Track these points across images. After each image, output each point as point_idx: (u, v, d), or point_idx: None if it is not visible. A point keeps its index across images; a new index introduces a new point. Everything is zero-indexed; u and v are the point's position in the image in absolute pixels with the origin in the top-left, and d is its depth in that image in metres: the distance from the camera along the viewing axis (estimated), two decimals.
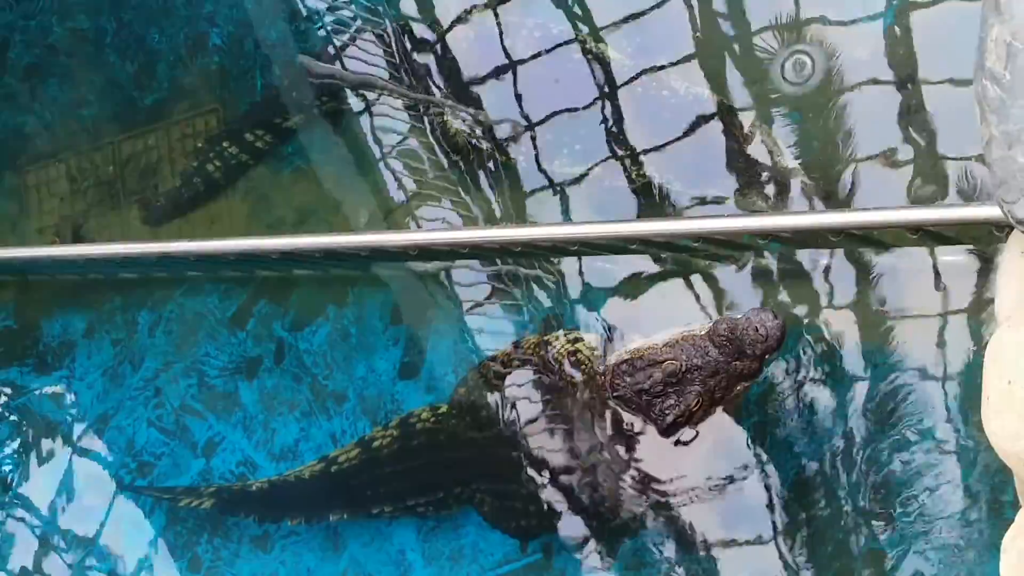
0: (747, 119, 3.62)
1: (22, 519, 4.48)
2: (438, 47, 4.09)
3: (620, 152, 3.76)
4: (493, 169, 3.94)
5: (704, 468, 3.44)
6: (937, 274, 3.29)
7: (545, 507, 3.55)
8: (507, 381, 3.60)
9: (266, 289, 4.26)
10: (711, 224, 3.43)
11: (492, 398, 3.61)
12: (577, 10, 3.90)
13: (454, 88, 4.04)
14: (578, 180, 3.81)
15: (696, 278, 3.57)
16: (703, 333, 3.23)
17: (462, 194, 3.99)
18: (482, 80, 4.01)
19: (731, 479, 3.43)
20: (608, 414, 3.41)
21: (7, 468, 4.55)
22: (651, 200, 3.70)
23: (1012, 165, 2.60)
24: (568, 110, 3.85)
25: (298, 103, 4.34)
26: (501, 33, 3.98)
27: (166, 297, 4.41)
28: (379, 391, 4.00)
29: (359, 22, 4.28)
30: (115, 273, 4.47)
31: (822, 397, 3.39)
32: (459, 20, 4.06)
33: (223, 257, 4.08)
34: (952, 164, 3.33)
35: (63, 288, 4.63)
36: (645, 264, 3.65)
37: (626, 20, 3.82)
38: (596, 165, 3.79)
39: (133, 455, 4.33)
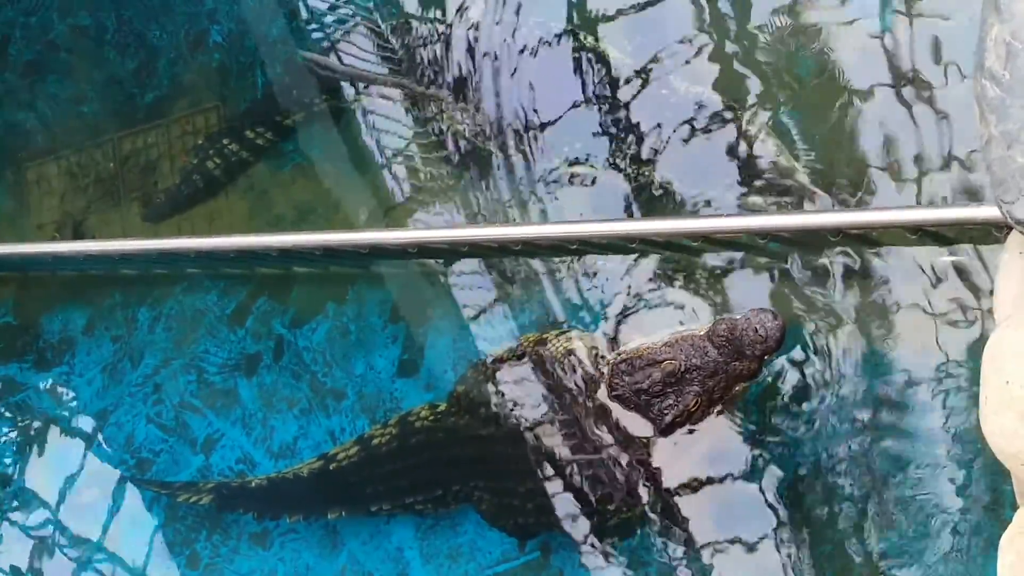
0: (747, 118, 3.62)
1: (21, 515, 4.48)
2: (438, 45, 4.09)
3: (620, 151, 3.76)
4: (493, 167, 3.94)
5: (702, 468, 3.44)
6: (936, 274, 3.30)
7: (543, 506, 3.55)
8: (506, 379, 3.60)
9: (266, 286, 4.26)
10: (711, 223, 3.44)
11: (491, 396, 3.61)
12: (577, 9, 3.90)
13: (454, 86, 4.04)
14: (578, 178, 3.81)
15: (696, 277, 3.57)
16: (702, 333, 3.23)
17: (462, 192, 3.99)
18: (482, 78, 4.01)
19: (729, 479, 3.43)
20: (606, 413, 3.41)
21: (6, 464, 4.55)
22: (651, 199, 3.70)
23: (1011, 165, 2.61)
24: (568, 108, 3.84)
25: (298, 100, 4.34)
26: (502, 31, 3.98)
27: (166, 294, 4.41)
28: (378, 389, 4.00)
29: (359, 19, 4.28)
30: (115, 270, 4.46)
31: (820, 398, 3.39)
32: (459, 18, 4.06)
33: (223, 254, 4.08)
34: (951, 164, 3.33)
35: (63, 284, 4.63)
36: (644, 263, 3.65)
37: (626, 19, 3.82)
38: (596, 163, 3.79)
39: (132, 451, 4.32)
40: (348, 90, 4.25)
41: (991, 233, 3.08)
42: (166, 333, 4.37)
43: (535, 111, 3.90)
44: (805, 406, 3.40)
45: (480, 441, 3.63)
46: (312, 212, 4.25)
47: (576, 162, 3.82)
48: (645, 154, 3.73)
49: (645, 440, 3.39)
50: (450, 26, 4.08)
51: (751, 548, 3.42)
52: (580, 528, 3.56)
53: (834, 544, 3.36)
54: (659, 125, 3.74)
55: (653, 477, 3.44)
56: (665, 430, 3.31)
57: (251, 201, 4.39)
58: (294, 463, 3.98)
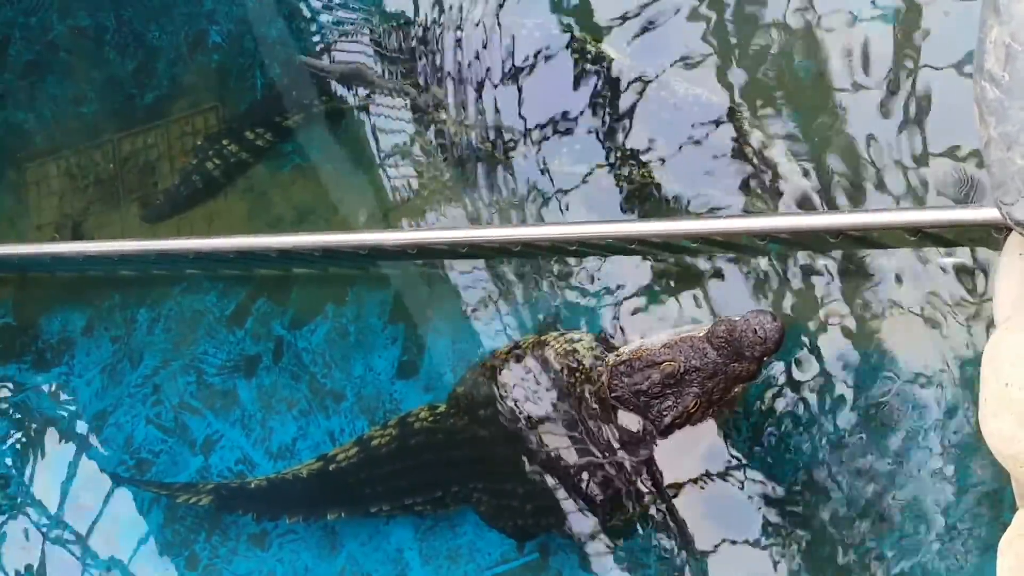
0: (746, 119, 3.62)
1: (21, 515, 4.48)
2: (437, 46, 4.09)
3: (619, 152, 3.76)
4: (492, 168, 3.94)
5: (702, 469, 3.44)
6: (935, 276, 3.29)
7: (542, 507, 3.55)
8: (505, 381, 3.60)
9: (265, 287, 4.26)
10: (710, 225, 3.43)
11: (490, 398, 3.61)
12: (577, 10, 3.90)
13: (454, 87, 4.04)
14: (577, 180, 3.81)
15: (695, 279, 3.57)
16: (702, 334, 3.23)
17: (461, 193, 3.99)
18: (482, 79, 4.01)
19: (729, 480, 3.43)
20: (606, 415, 3.41)
21: (6, 465, 4.55)
22: (650, 200, 3.70)
23: (1010, 167, 2.60)
24: (567, 110, 3.84)
25: (298, 101, 4.34)
26: (501, 33, 3.98)
27: (165, 295, 4.41)
28: (377, 390, 4.00)
29: (358, 21, 4.28)
30: (114, 270, 4.47)
31: (820, 399, 3.39)
32: (459, 19, 4.06)
33: (222, 255, 4.08)
34: (951, 165, 3.33)
35: (62, 285, 4.63)
36: (644, 264, 3.65)
37: (626, 20, 3.82)
38: (595, 165, 3.79)
39: (131, 452, 4.33)
40: (347, 92, 4.25)
41: (991, 235, 3.08)
42: (165, 334, 4.37)
43: (534, 112, 3.90)
44: (804, 407, 3.40)
45: (479, 442, 3.63)
46: (311, 213, 4.25)
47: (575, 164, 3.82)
48: (644, 155, 3.73)
49: (644, 441, 3.39)
50: (449, 27, 4.07)
51: (750, 549, 3.42)
52: (579, 529, 3.56)
53: (833, 545, 3.36)
54: (658, 126, 3.73)
55: (652, 478, 3.44)
56: (664, 431, 3.31)
57: (250, 202, 4.39)
58: (293, 464, 3.98)
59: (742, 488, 3.43)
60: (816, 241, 3.36)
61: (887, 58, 3.47)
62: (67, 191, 4.74)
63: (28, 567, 4.41)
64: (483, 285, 3.88)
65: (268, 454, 4.12)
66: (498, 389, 3.61)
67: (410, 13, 4.17)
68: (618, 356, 3.37)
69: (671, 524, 3.48)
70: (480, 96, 3.99)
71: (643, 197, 3.70)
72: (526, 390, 3.57)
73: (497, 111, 3.95)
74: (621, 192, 3.74)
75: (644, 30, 3.80)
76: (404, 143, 4.12)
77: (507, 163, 3.91)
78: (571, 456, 3.50)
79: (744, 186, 3.57)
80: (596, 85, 3.82)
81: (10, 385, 4.64)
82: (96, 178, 4.69)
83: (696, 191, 3.62)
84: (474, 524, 3.74)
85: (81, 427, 4.45)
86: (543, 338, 3.62)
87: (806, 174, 3.50)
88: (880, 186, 3.41)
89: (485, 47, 4.00)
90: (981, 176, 3.23)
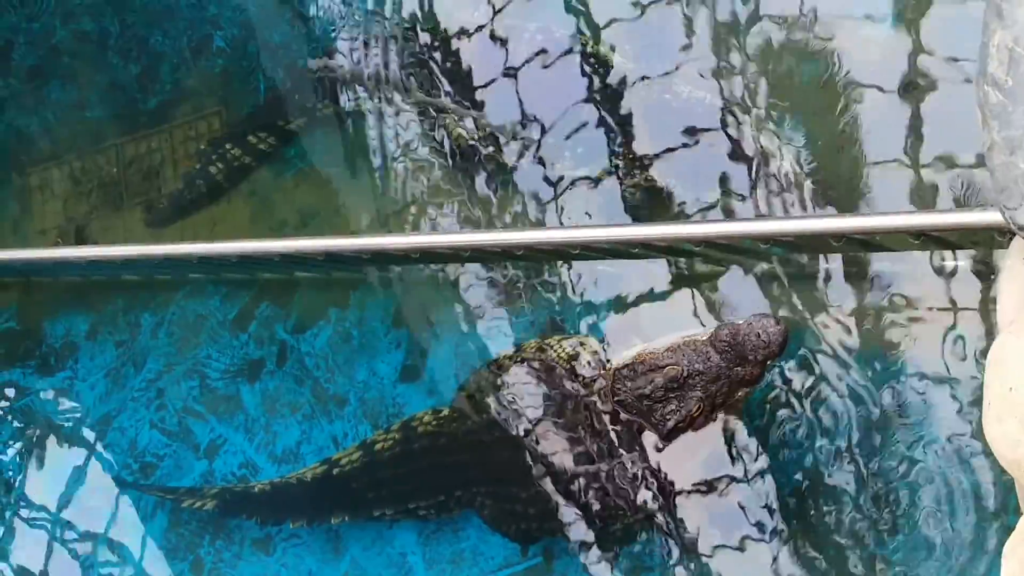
0: (750, 122, 3.62)
1: (24, 520, 4.49)
2: (441, 50, 4.09)
3: (622, 155, 3.76)
4: (495, 172, 3.94)
5: (705, 473, 3.43)
6: (939, 279, 3.29)
7: (546, 511, 3.55)
8: (508, 385, 3.60)
9: (268, 292, 4.27)
10: (713, 228, 3.43)
11: (493, 402, 3.61)
12: (580, 13, 3.90)
13: (457, 91, 4.04)
14: (580, 183, 3.81)
15: (698, 283, 3.57)
16: (705, 338, 3.23)
17: (464, 197, 3.99)
18: (485, 83, 4.01)
19: (732, 484, 3.43)
20: (609, 419, 3.41)
21: (10, 469, 4.55)
22: (653, 204, 3.69)
23: (1014, 171, 2.60)
24: (571, 113, 3.84)
25: (301, 105, 4.34)
26: (504, 36, 3.99)
27: (168, 299, 4.42)
28: (380, 394, 4.00)
29: (363, 25, 4.28)
30: (118, 275, 4.47)
31: (823, 402, 3.38)
32: (462, 23, 4.06)
33: (225, 259, 4.08)
34: (954, 169, 3.32)
35: (66, 290, 4.64)
36: (647, 268, 3.65)
37: (629, 23, 3.82)
38: (598, 168, 3.79)
39: (135, 456, 4.33)
40: (350, 95, 4.25)
41: (994, 238, 3.08)
42: (169, 338, 4.38)
43: (538, 116, 3.90)
44: (807, 411, 3.40)
45: (483, 446, 3.63)
46: (314, 217, 4.26)
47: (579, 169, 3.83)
48: (648, 159, 3.73)
49: (647, 445, 3.39)
50: (453, 31, 4.08)
51: (753, 553, 3.42)
52: (582, 533, 3.55)
53: (836, 549, 3.35)
54: (661, 129, 3.73)
55: (655, 482, 3.43)
56: (667, 435, 3.31)
57: (254, 206, 4.40)
58: (297, 468, 3.98)
59: (745, 491, 3.42)
60: (820, 244, 3.36)
61: (890, 61, 3.46)
62: (71, 196, 4.75)
63: (32, 571, 4.42)
64: (486, 289, 3.88)
65: (272, 458, 4.12)
66: (501, 393, 3.61)
67: (413, 17, 4.17)
68: (621, 360, 3.37)
69: (674, 528, 3.48)
70: (483, 99, 3.99)
71: (646, 200, 3.70)
72: (529, 394, 3.57)
73: (500, 115, 3.95)
74: (623, 195, 3.73)
75: (648, 33, 3.79)
76: (407, 147, 4.12)
77: (510, 167, 3.91)
78: (574, 460, 3.50)
79: (747, 189, 3.57)
80: (599, 88, 3.82)
81: (14, 389, 4.64)
82: (99, 183, 4.70)
83: (698, 194, 3.62)
84: (478, 528, 3.74)
85: (85, 431, 4.45)
86: (546, 342, 3.62)
87: (809, 177, 3.50)
88: (884, 188, 3.41)
89: (488, 51, 4.00)
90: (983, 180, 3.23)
